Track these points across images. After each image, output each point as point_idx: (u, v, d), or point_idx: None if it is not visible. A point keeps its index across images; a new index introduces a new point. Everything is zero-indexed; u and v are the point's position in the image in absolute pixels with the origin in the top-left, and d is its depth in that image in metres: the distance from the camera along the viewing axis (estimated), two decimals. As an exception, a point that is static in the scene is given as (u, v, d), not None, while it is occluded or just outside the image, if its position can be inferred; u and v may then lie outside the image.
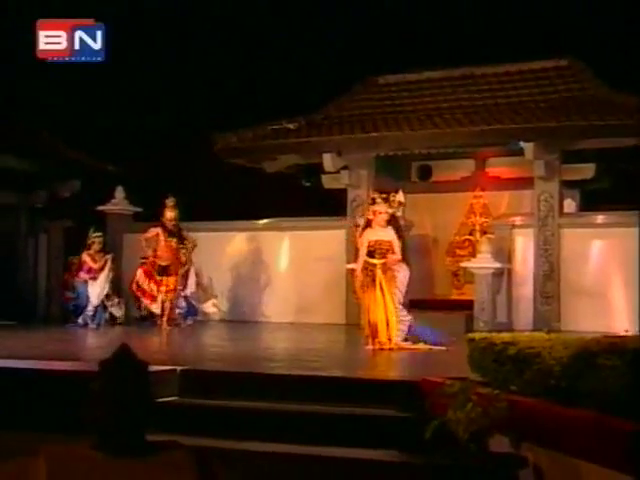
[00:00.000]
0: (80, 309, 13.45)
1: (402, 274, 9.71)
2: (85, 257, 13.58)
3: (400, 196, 10.13)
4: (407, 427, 5.60)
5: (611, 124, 11.84)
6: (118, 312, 13.72)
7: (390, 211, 9.82)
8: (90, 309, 13.33)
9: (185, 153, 18.67)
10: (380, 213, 9.62)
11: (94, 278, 13.40)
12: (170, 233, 13.03)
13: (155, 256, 12.95)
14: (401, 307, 9.58)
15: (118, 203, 15.41)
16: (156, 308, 12.83)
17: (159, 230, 13.00)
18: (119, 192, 15.41)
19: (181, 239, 13.15)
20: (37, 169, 15.01)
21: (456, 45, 18.03)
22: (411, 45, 18.67)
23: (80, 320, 13.27)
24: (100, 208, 15.35)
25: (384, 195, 10.05)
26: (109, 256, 13.67)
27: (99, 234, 13.87)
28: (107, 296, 13.54)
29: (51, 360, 7.79)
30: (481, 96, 14.21)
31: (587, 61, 14.22)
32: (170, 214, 13.05)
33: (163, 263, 12.88)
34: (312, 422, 6.02)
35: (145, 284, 12.92)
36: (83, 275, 13.50)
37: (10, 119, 15.01)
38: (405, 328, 9.55)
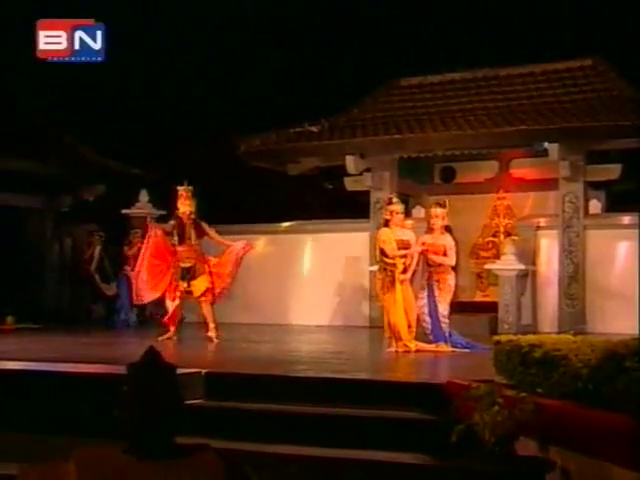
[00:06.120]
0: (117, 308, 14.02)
1: (453, 281, 9.75)
2: (124, 250, 14.16)
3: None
4: (433, 430, 5.58)
5: (637, 124, 11.72)
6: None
7: (445, 216, 9.84)
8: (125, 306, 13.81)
9: (207, 156, 18.75)
10: (397, 213, 9.62)
11: (133, 267, 13.78)
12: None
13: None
14: (446, 315, 9.60)
15: (142, 206, 15.49)
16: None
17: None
18: (143, 195, 15.51)
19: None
20: (62, 173, 15.13)
21: (479, 46, 17.96)
22: (434, 46, 18.63)
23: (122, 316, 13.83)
24: (124, 211, 15.45)
25: (442, 201, 10.05)
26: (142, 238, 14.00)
27: (138, 230, 14.27)
28: None
29: (82, 363, 7.83)
30: (505, 97, 14.14)
31: (612, 61, 14.11)
32: (184, 207, 10.53)
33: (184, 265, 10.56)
34: (337, 425, 6.01)
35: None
36: (127, 268, 13.93)
37: (32, 123, 15.15)
38: (446, 331, 9.54)
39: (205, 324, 10.60)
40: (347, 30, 20.18)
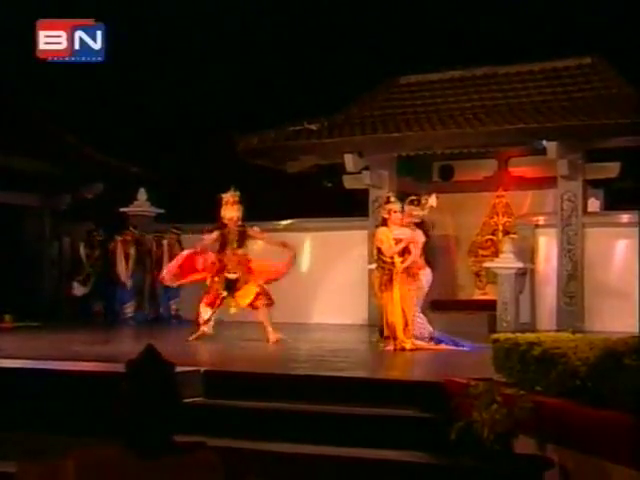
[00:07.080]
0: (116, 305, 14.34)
1: (425, 277, 9.67)
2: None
3: (433, 200, 10.01)
4: (432, 428, 5.58)
5: (636, 122, 11.72)
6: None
7: (421, 214, 9.79)
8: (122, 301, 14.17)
9: (206, 154, 18.75)
10: (395, 212, 9.58)
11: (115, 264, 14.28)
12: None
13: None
14: (418, 311, 9.52)
15: (140, 205, 15.52)
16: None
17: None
18: (141, 194, 15.52)
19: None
20: (61, 172, 15.13)
21: (478, 44, 17.96)
22: (433, 44, 18.62)
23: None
24: (123, 210, 15.46)
25: (415, 197, 10.01)
26: (130, 232, 14.28)
27: (133, 231, 14.71)
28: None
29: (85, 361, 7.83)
30: (503, 95, 14.13)
31: (610, 59, 14.10)
32: (231, 213, 10.35)
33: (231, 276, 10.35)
34: (336, 423, 6.01)
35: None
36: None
37: (33, 122, 15.14)
38: (423, 333, 9.47)
39: (264, 328, 10.29)
40: (346, 28, 20.18)
